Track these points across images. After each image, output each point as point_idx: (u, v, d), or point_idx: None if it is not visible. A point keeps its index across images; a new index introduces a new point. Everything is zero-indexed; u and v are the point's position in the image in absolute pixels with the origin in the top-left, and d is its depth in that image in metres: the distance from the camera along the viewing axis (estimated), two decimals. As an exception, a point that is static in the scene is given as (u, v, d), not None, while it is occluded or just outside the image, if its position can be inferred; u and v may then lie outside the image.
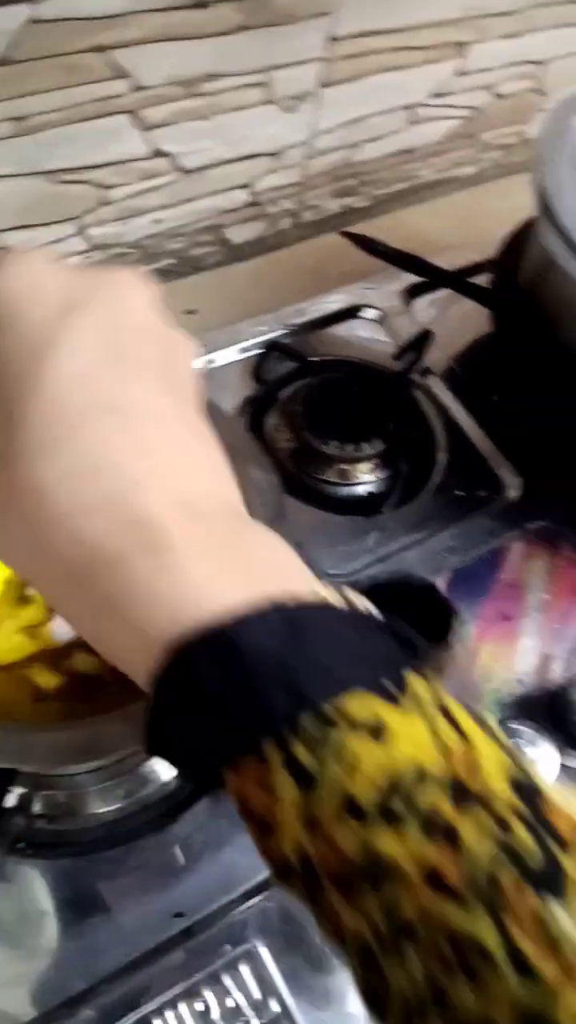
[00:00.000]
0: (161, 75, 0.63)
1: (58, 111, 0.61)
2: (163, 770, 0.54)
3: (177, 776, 0.54)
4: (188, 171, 0.73)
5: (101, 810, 0.53)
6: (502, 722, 0.55)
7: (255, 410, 0.73)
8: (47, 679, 0.51)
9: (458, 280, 0.77)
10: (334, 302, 0.80)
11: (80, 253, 0.74)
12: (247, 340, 0.76)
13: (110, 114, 0.64)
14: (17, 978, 0.48)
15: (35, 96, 0.59)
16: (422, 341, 0.74)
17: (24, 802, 0.52)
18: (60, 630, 0.51)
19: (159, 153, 0.69)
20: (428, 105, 0.84)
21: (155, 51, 0.61)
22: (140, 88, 0.63)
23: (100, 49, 0.59)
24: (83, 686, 0.51)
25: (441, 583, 0.64)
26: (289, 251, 0.87)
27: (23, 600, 0.53)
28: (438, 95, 0.84)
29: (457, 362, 0.79)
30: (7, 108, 0.59)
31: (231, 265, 0.85)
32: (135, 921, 0.50)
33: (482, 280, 0.77)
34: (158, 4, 0.58)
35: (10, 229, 0.68)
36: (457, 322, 0.82)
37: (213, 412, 0.51)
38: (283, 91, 0.72)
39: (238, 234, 0.83)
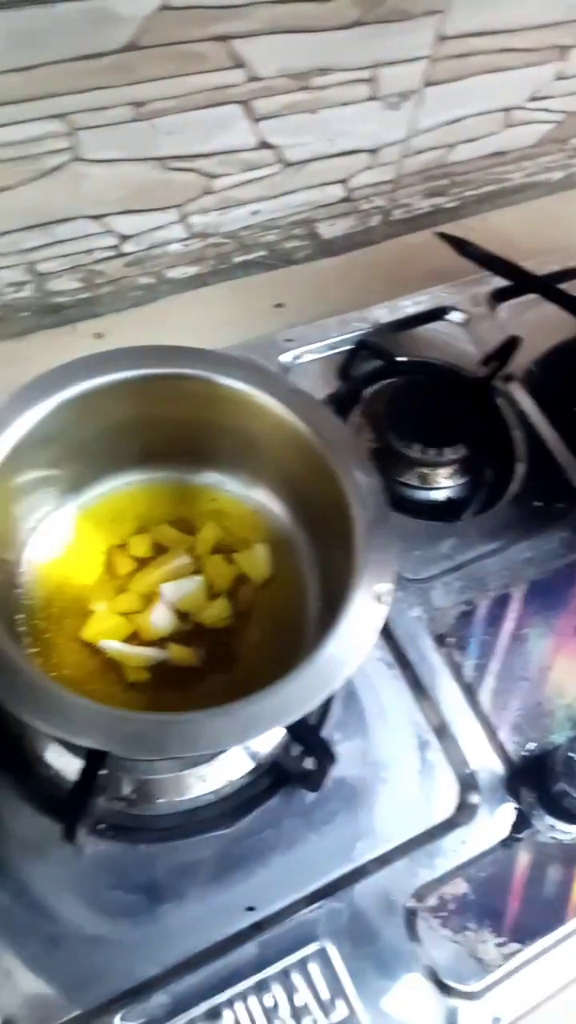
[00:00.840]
0: (274, 67, 0.63)
1: (175, 98, 0.61)
2: (239, 764, 0.54)
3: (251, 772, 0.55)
4: (289, 164, 0.72)
5: (177, 798, 0.53)
6: (574, 740, 0.55)
7: (338, 408, 0.73)
8: (137, 673, 0.52)
9: (548, 286, 0.76)
10: (419, 303, 0.79)
11: (180, 241, 0.74)
12: (333, 336, 0.76)
13: (223, 103, 0.64)
14: (90, 958, 0.49)
15: (155, 82, 0.59)
16: (510, 348, 0.73)
17: (105, 784, 0.53)
18: (158, 620, 0.52)
19: (265, 145, 0.69)
20: (525, 108, 0.83)
21: (272, 43, 0.61)
22: (254, 79, 0.63)
23: (221, 38, 0.59)
24: (173, 677, 0.52)
25: (518, 593, 0.64)
26: (376, 248, 0.87)
27: (121, 589, 0.54)
28: (535, 99, 0.83)
29: (538, 368, 0.78)
30: (128, 93, 0.59)
31: (319, 260, 0.84)
32: (207, 911, 0.50)
33: (568, 286, 0.77)
34: (282, -5, 0.58)
35: (117, 213, 0.68)
36: (537, 327, 0.81)
37: (317, 410, 0.52)
38: (388, 88, 0.71)
39: (329, 229, 0.83)
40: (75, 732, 0.38)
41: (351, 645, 0.42)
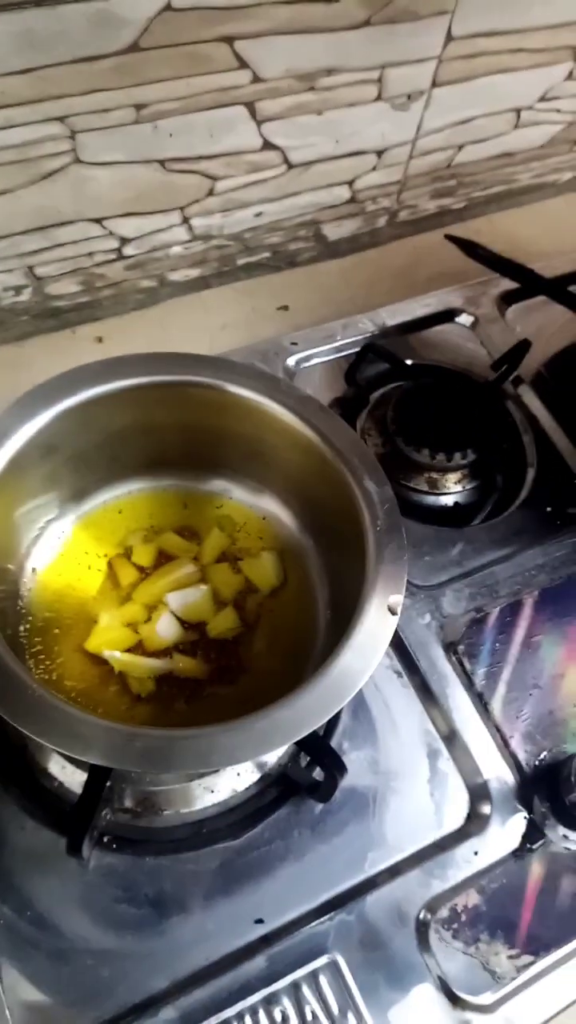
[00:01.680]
0: (281, 68, 0.62)
1: (178, 100, 0.60)
2: (246, 774, 0.54)
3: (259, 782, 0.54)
4: (294, 165, 0.72)
5: (184, 810, 0.53)
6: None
7: (344, 412, 0.72)
8: (143, 684, 0.51)
9: (558, 289, 0.75)
10: (427, 305, 0.79)
11: (182, 243, 0.73)
12: (339, 339, 0.75)
13: (228, 105, 0.63)
14: (97, 973, 0.48)
15: (158, 84, 0.59)
16: (520, 352, 0.73)
17: (109, 796, 0.52)
18: (163, 630, 0.51)
19: (269, 146, 0.68)
20: (535, 109, 0.82)
21: (278, 44, 0.60)
22: (258, 80, 0.62)
23: (226, 39, 0.58)
24: (179, 687, 0.51)
25: (530, 600, 0.63)
26: (381, 250, 0.86)
27: (126, 599, 0.53)
28: (545, 99, 0.82)
29: (548, 371, 0.77)
30: (129, 95, 0.58)
31: (324, 262, 0.84)
32: (216, 924, 0.50)
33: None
34: (289, -4, 0.57)
35: (120, 216, 0.67)
36: (546, 330, 0.80)
37: (328, 417, 0.51)
38: (396, 89, 0.70)
39: (334, 231, 0.82)
40: (82, 749, 0.38)
41: (363, 657, 0.42)
